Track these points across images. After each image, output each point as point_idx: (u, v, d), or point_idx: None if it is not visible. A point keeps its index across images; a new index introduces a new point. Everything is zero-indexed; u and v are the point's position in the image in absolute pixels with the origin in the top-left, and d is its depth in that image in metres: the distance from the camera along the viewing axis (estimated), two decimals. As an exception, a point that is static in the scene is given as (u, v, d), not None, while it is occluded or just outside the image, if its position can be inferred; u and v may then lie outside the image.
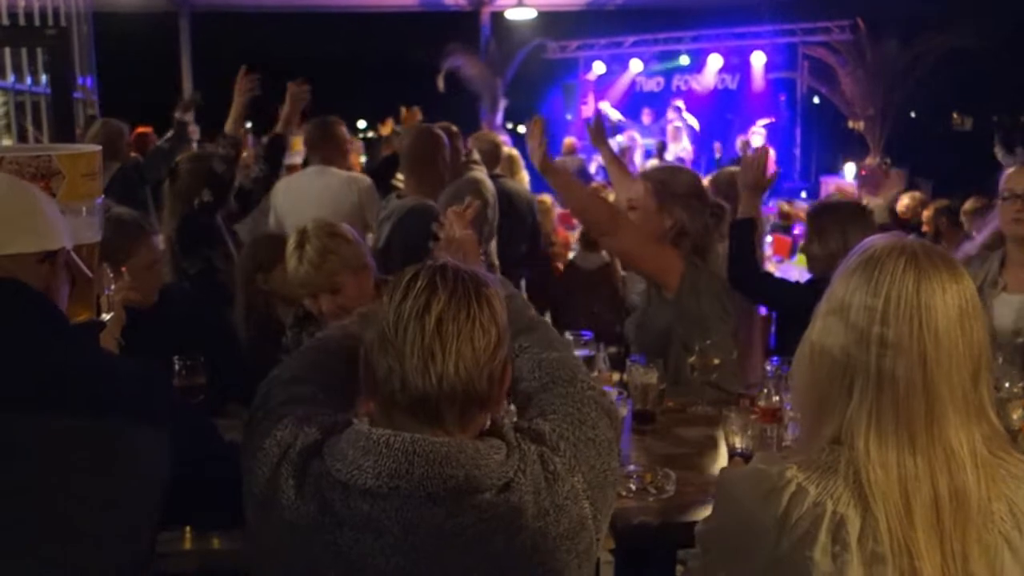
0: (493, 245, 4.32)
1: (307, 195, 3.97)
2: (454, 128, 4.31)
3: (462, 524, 1.17)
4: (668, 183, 2.74)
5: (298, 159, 5.12)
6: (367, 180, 4.13)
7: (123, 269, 2.39)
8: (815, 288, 2.76)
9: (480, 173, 4.34)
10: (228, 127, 3.71)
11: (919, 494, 1.13)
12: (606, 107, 13.76)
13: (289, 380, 1.41)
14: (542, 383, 1.42)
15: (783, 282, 2.84)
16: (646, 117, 13.09)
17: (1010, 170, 2.57)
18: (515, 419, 1.33)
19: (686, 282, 2.66)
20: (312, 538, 1.19)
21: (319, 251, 2.32)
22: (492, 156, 5.03)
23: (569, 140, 10.79)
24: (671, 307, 2.68)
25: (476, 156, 4.54)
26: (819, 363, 1.22)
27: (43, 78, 6.50)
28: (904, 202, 6.48)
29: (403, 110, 5.27)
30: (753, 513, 1.19)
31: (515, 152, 5.66)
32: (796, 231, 6.24)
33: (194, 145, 7.74)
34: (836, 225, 2.71)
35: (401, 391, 1.20)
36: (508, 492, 1.19)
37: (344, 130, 4.36)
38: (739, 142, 11.34)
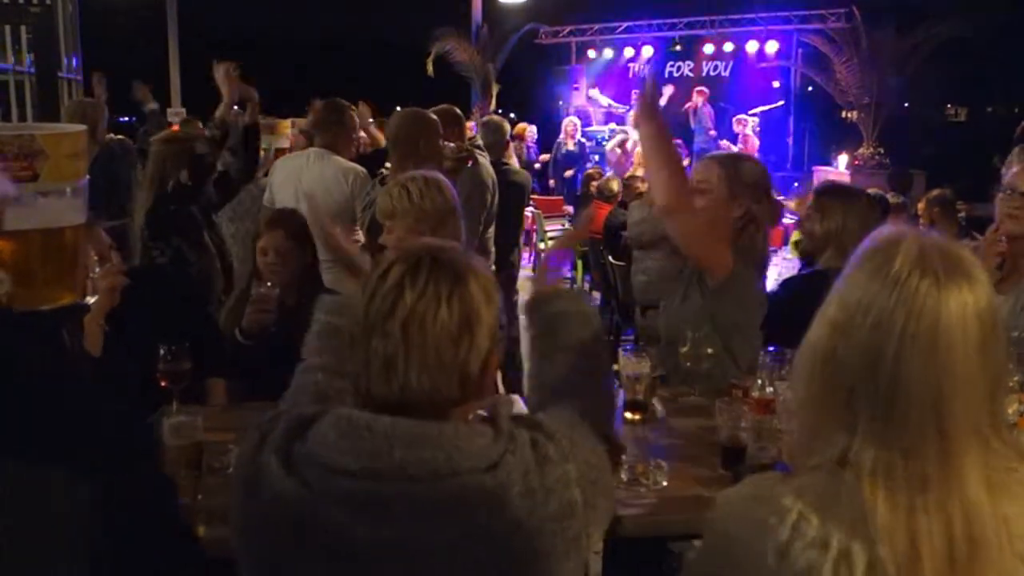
0: (491, 231, 4.27)
1: (301, 179, 3.86)
2: (456, 111, 4.21)
3: (440, 497, 1.17)
4: (740, 172, 2.64)
5: (285, 143, 5.06)
6: (361, 172, 3.98)
7: (111, 251, 2.36)
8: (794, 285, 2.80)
9: (481, 158, 4.25)
10: (220, 112, 3.59)
11: (929, 544, 1.04)
12: (596, 94, 13.70)
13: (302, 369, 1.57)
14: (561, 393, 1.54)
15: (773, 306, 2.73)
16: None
17: (1016, 168, 2.62)
18: (513, 411, 1.32)
19: (730, 283, 2.51)
20: (294, 511, 1.19)
21: (420, 191, 2.48)
22: (499, 143, 4.97)
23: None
24: (709, 299, 2.55)
25: (479, 140, 4.45)
26: (820, 375, 1.12)
27: (27, 57, 6.41)
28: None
29: (360, 104, 5.00)
30: (750, 543, 1.10)
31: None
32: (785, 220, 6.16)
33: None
34: (839, 207, 2.78)
35: (367, 395, 1.23)
36: (495, 471, 1.18)
37: (355, 117, 4.23)
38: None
